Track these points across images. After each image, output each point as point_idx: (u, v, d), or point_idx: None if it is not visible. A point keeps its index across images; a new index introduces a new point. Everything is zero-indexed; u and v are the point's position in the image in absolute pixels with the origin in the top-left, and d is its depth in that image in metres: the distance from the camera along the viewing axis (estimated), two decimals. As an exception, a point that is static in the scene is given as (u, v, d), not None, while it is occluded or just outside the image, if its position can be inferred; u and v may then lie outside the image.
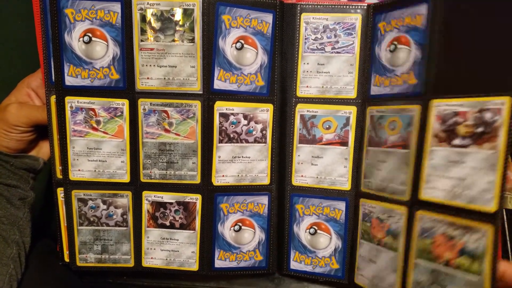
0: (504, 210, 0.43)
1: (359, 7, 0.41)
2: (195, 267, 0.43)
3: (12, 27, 0.50)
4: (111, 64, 0.40)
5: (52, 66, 0.40)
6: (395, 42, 0.38)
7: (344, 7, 0.41)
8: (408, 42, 0.37)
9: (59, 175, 0.42)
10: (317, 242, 0.43)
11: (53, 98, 0.41)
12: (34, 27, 0.41)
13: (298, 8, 0.41)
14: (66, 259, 0.44)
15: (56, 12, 0.39)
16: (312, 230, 0.43)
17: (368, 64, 0.41)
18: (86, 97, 0.40)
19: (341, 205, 0.42)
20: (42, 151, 0.44)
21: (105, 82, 0.40)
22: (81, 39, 0.39)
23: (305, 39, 0.41)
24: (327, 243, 0.43)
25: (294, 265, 0.44)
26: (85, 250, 0.43)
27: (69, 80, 0.40)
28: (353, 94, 0.42)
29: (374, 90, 0.40)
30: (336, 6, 0.41)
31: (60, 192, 0.43)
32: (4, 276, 0.39)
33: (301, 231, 0.43)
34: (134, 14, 0.39)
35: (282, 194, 0.44)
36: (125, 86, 0.40)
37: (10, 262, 0.40)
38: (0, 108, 0.41)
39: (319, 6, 0.41)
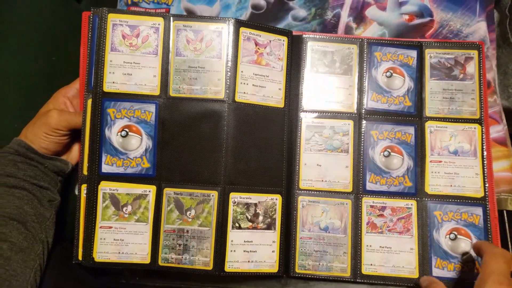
0: (505, 211, 0.51)
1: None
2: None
3: (27, 37, 0.52)
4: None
5: (92, 75, 0.47)
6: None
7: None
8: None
9: (85, 171, 0.47)
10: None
11: (89, 102, 0.48)
12: (57, 38, 0.47)
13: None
14: (80, 258, 0.47)
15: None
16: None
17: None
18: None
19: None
20: (71, 155, 0.49)
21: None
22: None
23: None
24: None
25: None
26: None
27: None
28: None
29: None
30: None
31: (84, 188, 0.47)
32: (31, 270, 0.41)
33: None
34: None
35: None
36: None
37: (37, 258, 0.42)
38: (41, 114, 0.47)
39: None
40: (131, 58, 0.49)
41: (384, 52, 0.53)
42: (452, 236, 0.49)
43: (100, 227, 0.48)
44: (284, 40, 0.52)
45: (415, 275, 0.49)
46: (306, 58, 0.53)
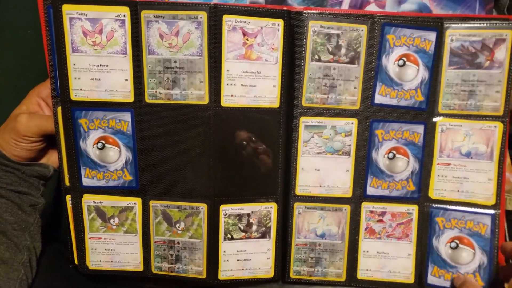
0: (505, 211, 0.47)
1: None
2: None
3: (22, 35, 0.50)
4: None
5: (58, 79, 0.41)
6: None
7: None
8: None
9: (67, 182, 0.44)
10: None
11: (59, 109, 0.43)
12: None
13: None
14: (76, 262, 0.47)
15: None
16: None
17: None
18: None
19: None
20: (52, 159, 0.46)
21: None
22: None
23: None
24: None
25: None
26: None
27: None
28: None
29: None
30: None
31: (69, 199, 0.45)
32: (15, 281, 0.40)
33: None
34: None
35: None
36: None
37: (21, 267, 0.41)
38: (11, 118, 0.43)
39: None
40: (96, 59, 0.42)
41: (398, 34, 0.44)
42: (453, 244, 0.47)
43: (90, 238, 0.47)
44: (279, 24, 0.43)
45: (411, 280, 0.48)
46: (307, 44, 0.45)
